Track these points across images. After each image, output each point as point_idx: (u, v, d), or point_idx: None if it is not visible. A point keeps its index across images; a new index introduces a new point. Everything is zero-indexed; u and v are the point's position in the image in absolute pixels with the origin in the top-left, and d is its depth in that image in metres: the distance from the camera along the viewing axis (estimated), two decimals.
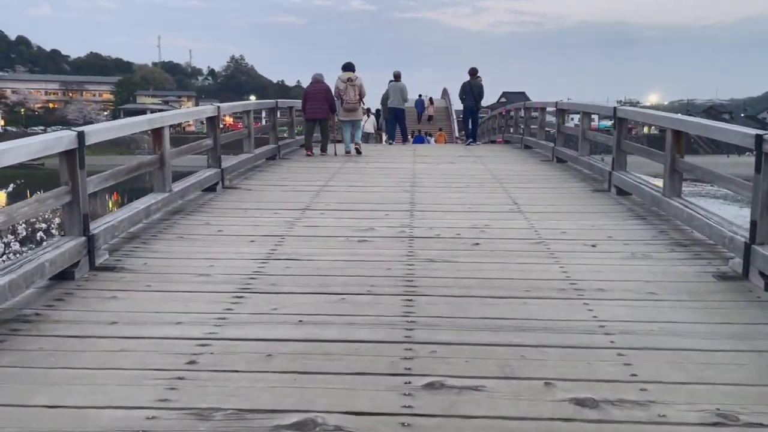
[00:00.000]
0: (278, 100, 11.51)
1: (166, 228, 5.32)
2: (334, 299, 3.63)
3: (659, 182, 5.84)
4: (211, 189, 6.93)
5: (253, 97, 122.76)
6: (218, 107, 7.23)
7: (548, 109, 11.82)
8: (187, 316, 3.39)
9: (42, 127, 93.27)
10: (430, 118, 30.70)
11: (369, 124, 20.43)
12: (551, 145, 10.44)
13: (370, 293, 3.71)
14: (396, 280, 3.96)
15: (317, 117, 10.99)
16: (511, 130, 15.27)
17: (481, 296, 3.68)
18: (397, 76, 15.54)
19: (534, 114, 12.85)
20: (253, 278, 4.05)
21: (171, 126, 6.02)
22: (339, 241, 4.95)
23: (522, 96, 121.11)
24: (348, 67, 10.97)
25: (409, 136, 22.41)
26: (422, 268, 4.20)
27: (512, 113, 15.35)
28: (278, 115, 11.35)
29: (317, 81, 11.06)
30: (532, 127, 12.57)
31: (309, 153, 10.98)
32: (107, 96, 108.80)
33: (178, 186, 6.10)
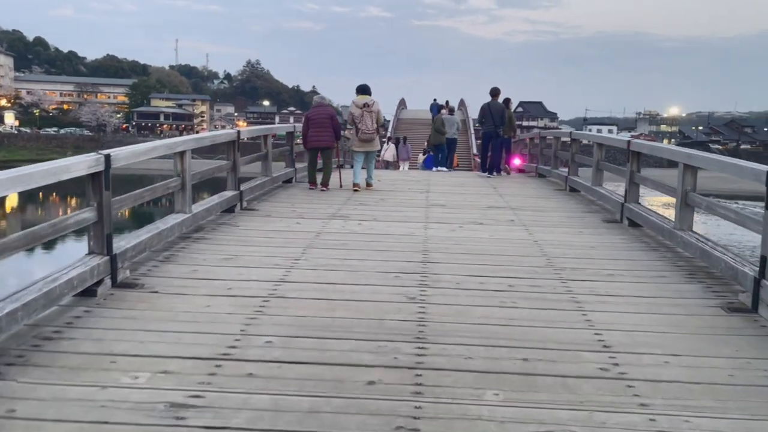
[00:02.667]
0: (295, 124, 10.87)
1: (184, 248, 5.42)
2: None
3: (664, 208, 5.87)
4: (230, 210, 7.03)
5: (266, 102, 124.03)
6: (238, 132, 7.28)
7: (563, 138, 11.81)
8: (202, 337, 3.51)
9: (55, 129, 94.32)
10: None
11: (389, 153, 20.62)
12: (565, 174, 10.49)
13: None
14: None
15: (320, 146, 9.56)
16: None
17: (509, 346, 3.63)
18: (451, 111, 16.04)
19: (549, 139, 12.80)
20: (267, 300, 4.15)
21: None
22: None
23: (539, 106, 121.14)
24: (364, 90, 9.60)
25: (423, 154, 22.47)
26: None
27: (527, 142, 15.41)
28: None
29: (319, 105, 9.88)
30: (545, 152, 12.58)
31: (312, 186, 9.59)
32: (122, 98, 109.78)
33: (198, 207, 6.20)
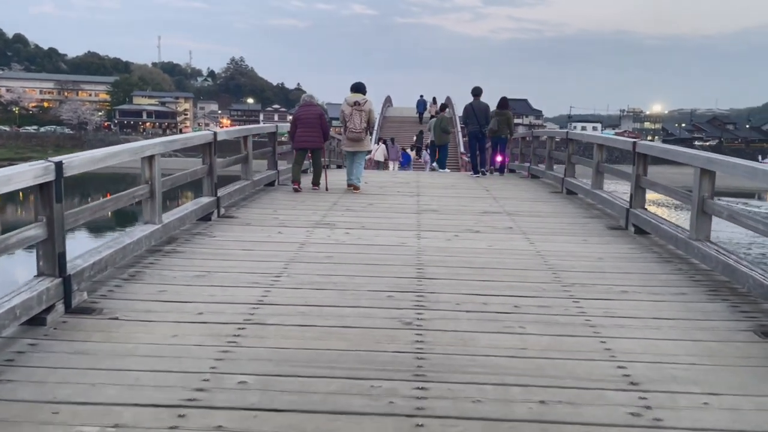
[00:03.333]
0: (278, 124, 10.46)
1: (152, 263, 4.88)
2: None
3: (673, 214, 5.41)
4: (206, 218, 6.47)
5: (250, 100, 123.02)
6: (215, 133, 6.65)
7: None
8: (164, 376, 2.98)
9: (35, 127, 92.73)
10: (432, 117, 30.14)
11: (380, 153, 20.75)
12: (560, 175, 10.04)
13: None
14: None
15: (308, 146, 9.43)
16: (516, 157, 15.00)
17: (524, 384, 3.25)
18: (443, 107, 18.54)
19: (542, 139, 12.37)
20: (242, 328, 3.63)
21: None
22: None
23: (524, 103, 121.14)
24: (357, 88, 9.32)
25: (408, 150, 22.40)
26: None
27: (519, 142, 14.99)
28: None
29: (308, 104, 9.67)
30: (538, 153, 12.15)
31: (296, 187, 9.23)
32: (103, 96, 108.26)
33: (170, 217, 5.64)
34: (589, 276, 4.90)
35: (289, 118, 10.07)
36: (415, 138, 26.12)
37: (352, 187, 9.43)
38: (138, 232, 4.97)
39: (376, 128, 27.41)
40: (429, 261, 5.22)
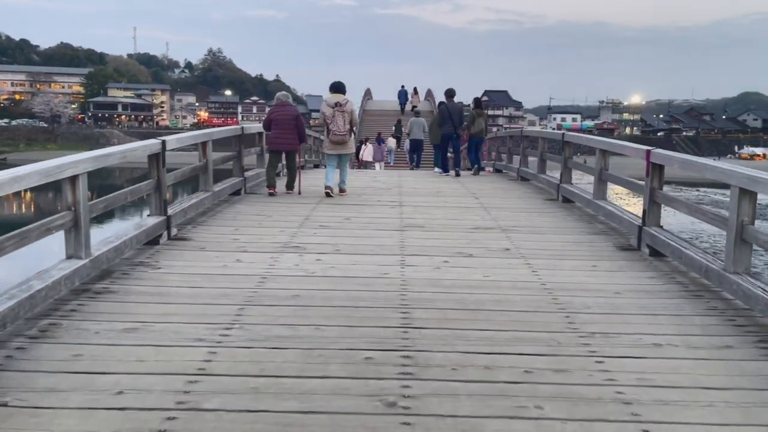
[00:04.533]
0: (244, 125, 9.53)
1: (72, 312, 3.90)
2: None
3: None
4: (154, 242, 5.53)
5: (228, 92, 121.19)
6: (163, 142, 5.55)
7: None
8: None
9: (6, 120, 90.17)
10: (413, 108, 29.61)
11: (368, 154, 20.41)
12: (555, 181, 9.20)
13: None
14: None
15: (283, 149, 9.08)
16: (503, 157, 14.24)
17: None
18: (417, 113, 19.31)
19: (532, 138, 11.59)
20: (172, 419, 2.72)
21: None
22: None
23: (504, 95, 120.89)
24: (337, 88, 8.86)
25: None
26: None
27: (507, 140, 14.22)
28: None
29: (283, 104, 9.16)
30: (529, 157, 11.35)
31: (271, 191, 8.88)
32: (77, 88, 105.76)
33: (102, 247, 4.66)
34: (609, 320, 4.05)
35: (268, 110, 9.45)
36: (393, 128, 25.47)
37: (339, 191, 9.05)
38: (55, 272, 4.01)
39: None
40: (416, 300, 4.33)
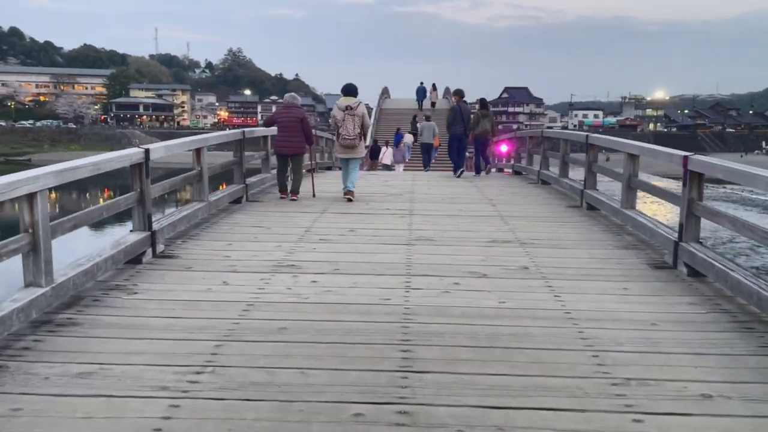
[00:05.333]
0: (245, 129, 9.04)
1: (25, 350, 3.37)
2: None
3: None
4: (137, 260, 5.03)
5: (248, 92, 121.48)
6: (146, 151, 5.04)
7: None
8: None
9: (31, 121, 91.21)
10: (433, 104, 29.24)
11: (387, 157, 20.04)
12: (578, 186, 8.56)
13: None
14: None
15: (287, 153, 8.79)
16: (522, 160, 13.72)
17: None
18: (428, 117, 19.48)
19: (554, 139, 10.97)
20: None
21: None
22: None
23: (525, 92, 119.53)
24: (348, 91, 8.67)
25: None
26: None
27: (526, 140, 13.67)
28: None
29: (289, 105, 8.92)
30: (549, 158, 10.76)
31: (283, 195, 8.78)
32: (100, 89, 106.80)
33: (69, 271, 4.14)
34: (647, 361, 3.44)
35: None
36: (410, 125, 25.11)
37: (346, 193, 8.79)
38: (6, 304, 3.51)
39: (372, 123, 26.13)
40: (419, 334, 3.76)
